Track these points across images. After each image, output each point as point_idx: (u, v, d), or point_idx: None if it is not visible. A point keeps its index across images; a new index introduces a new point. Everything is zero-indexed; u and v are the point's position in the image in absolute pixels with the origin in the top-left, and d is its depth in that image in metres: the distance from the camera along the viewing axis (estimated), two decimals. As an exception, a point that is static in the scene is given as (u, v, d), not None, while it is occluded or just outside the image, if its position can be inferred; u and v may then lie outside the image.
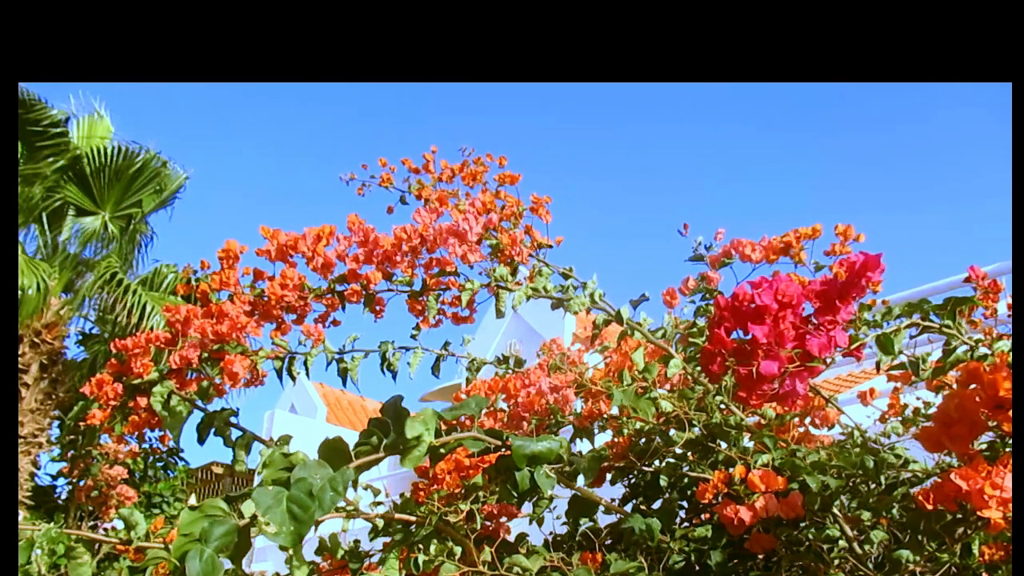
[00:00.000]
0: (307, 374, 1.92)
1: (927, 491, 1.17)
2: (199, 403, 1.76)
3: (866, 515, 1.47)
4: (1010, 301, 1.50)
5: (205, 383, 1.75)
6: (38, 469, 9.25)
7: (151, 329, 7.34)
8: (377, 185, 2.34)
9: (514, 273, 1.94)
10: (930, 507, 1.16)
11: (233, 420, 1.78)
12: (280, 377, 1.88)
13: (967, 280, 1.52)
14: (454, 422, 1.44)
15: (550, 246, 2.09)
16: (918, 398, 1.80)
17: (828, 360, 1.16)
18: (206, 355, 1.75)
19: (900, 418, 1.79)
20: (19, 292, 8.16)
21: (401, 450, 1.18)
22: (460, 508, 1.36)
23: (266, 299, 1.81)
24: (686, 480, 1.62)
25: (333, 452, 1.14)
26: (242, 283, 1.82)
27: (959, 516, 1.18)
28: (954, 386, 1.45)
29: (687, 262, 1.90)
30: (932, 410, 1.68)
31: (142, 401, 1.71)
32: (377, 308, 1.89)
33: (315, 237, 1.82)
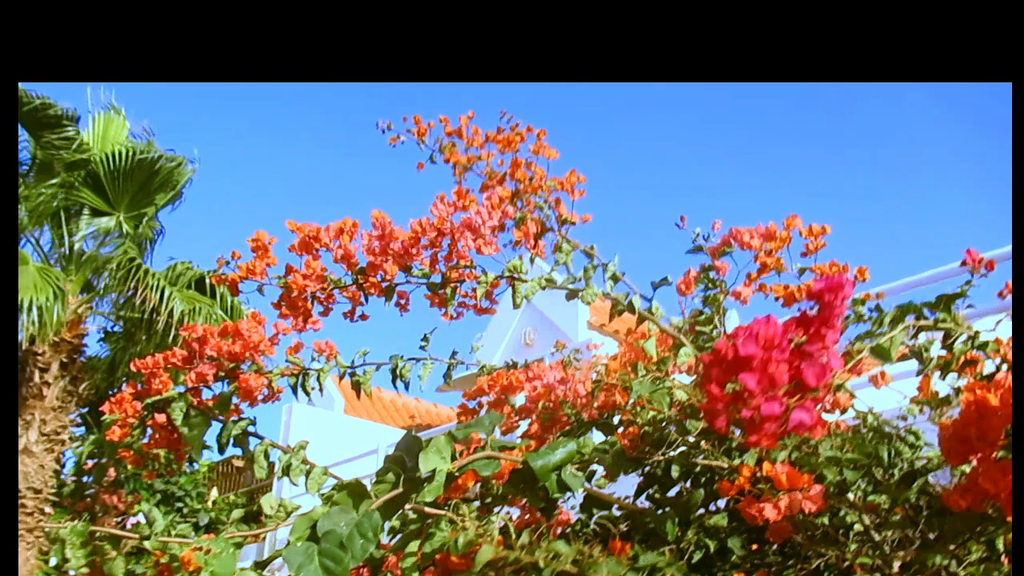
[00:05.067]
0: (320, 390, 1.95)
1: (956, 492, 1.17)
2: (218, 415, 1.80)
3: (882, 498, 1.47)
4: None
5: (224, 395, 1.79)
6: (62, 466, 9.36)
7: (171, 312, 7.37)
8: (411, 138, 2.31)
9: (533, 260, 1.95)
10: (961, 508, 1.16)
11: (251, 429, 1.82)
12: (295, 393, 1.91)
13: (963, 264, 1.51)
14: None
15: (574, 223, 2.11)
16: (952, 385, 1.78)
17: (827, 386, 1.16)
18: (223, 374, 1.79)
19: (920, 405, 1.76)
20: (37, 307, 8.23)
21: (421, 483, 1.17)
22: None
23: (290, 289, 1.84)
24: (699, 468, 1.63)
25: (353, 493, 1.13)
26: (268, 274, 1.86)
27: (987, 514, 1.18)
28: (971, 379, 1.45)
29: (687, 254, 1.92)
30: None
31: (160, 418, 1.75)
32: (401, 302, 1.91)
33: (337, 230, 1.86)
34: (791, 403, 1.09)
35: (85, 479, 10.23)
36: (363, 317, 1.94)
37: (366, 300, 1.92)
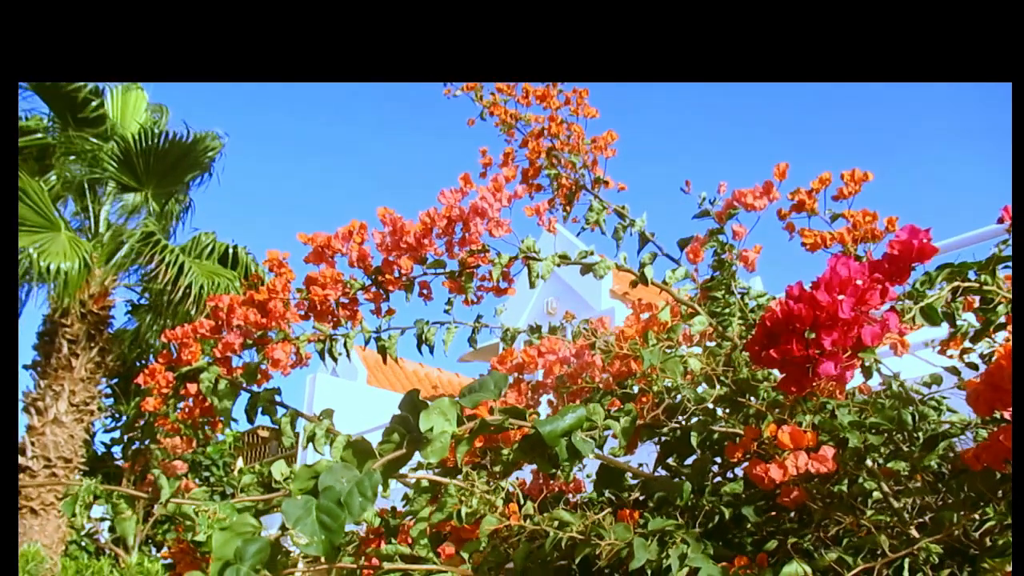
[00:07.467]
0: (348, 356, 1.97)
1: (975, 451, 1.14)
2: (247, 385, 1.83)
3: (902, 465, 1.45)
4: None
5: (252, 365, 1.82)
6: (92, 436, 9.55)
7: (189, 286, 7.57)
8: (463, 93, 2.34)
9: (566, 217, 1.95)
10: (979, 467, 1.13)
11: (277, 399, 1.86)
12: (323, 359, 1.95)
13: (1000, 221, 1.46)
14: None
15: (608, 184, 2.13)
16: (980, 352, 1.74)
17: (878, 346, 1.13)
18: (251, 342, 1.81)
19: (952, 353, 1.71)
20: (62, 272, 8.38)
21: (423, 444, 1.15)
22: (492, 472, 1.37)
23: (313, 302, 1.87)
24: (716, 436, 1.62)
25: (358, 452, 1.13)
26: (291, 288, 1.88)
27: (1007, 474, 1.15)
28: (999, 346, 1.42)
29: (694, 219, 1.92)
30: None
31: (192, 388, 1.80)
32: (424, 292, 1.93)
33: (346, 234, 1.88)
34: (844, 362, 1.06)
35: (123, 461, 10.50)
36: (390, 312, 1.96)
37: (388, 297, 1.94)
